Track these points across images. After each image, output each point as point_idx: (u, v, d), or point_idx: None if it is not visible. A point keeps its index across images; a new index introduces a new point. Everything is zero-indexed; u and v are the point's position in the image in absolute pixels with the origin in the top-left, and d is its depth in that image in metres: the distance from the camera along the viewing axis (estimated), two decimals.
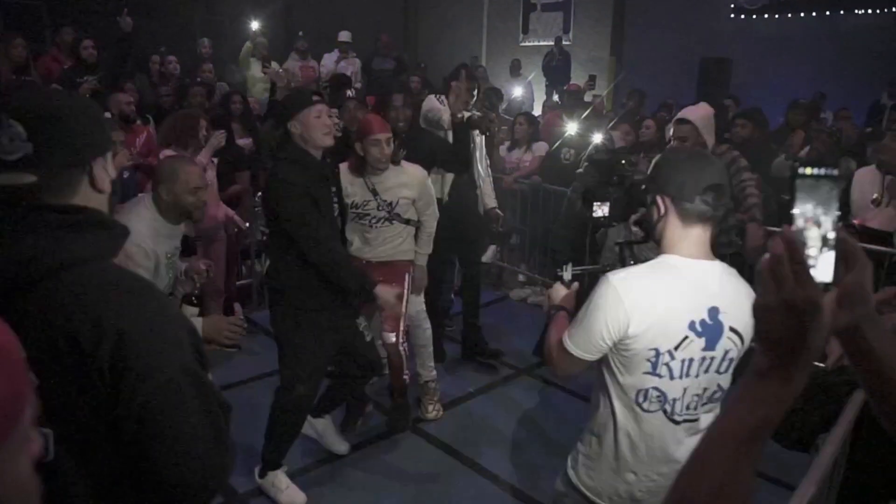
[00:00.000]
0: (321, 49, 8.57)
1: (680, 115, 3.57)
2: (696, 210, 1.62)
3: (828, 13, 9.20)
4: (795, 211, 0.75)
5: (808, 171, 0.75)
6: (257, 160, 5.46)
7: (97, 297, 1.11)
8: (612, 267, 1.99)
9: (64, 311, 1.08)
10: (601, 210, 2.00)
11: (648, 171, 1.78)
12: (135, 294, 1.16)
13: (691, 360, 1.63)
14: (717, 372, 1.68)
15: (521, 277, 5.94)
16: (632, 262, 1.95)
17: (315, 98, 2.83)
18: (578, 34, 11.75)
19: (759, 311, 0.73)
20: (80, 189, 1.17)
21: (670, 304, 1.60)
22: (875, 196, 3.67)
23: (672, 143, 3.52)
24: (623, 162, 2.10)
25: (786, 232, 0.73)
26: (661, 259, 1.67)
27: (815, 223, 0.75)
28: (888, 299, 2.71)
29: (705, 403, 1.71)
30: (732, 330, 1.64)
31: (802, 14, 9.42)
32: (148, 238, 2.50)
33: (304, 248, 2.75)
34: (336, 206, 3.15)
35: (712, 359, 1.65)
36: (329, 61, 8.35)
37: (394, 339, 3.41)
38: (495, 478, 3.25)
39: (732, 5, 9.98)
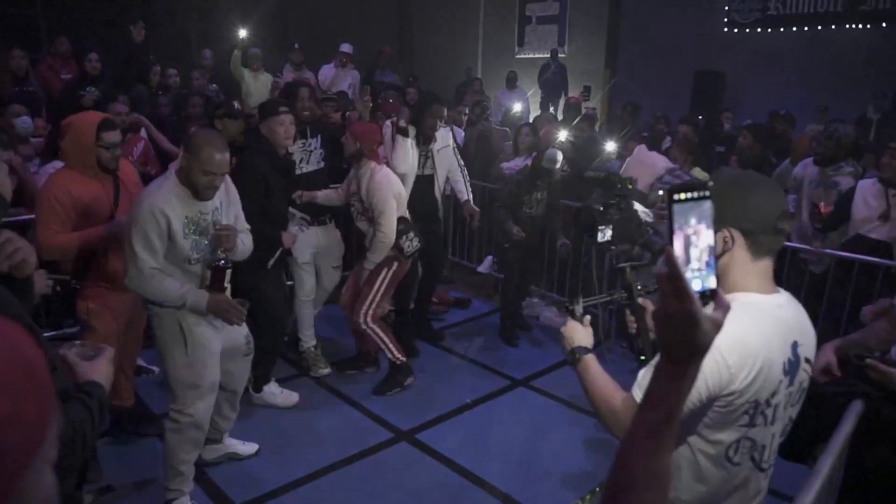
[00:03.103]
0: (318, 60, 8.58)
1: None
2: (772, 242, 1.45)
3: (819, 27, 9.33)
4: (675, 231, 0.82)
5: (683, 195, 0.82)
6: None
7: None
8: (619, 294, 1.85)
9: None
10: (604, 234, 1.83)
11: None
12: None
13: (779, 403, 1.47)
14: (792, 405, 1.54)
15: None
16: (639, 287, 1.79)
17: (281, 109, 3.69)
18: (573, 47, 11.84)
19: (654, 319, 0.85)
20: None
21: (769, 353, 1.41)
22: (882, 211, 3.86)
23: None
24: (625, 179, 1.92)
25: (667, 251, 0.81)
26: (737, 299, 1.40)
27: (694, 239, 0.83)
28: (880, 311, 2.74)
29: (780, 440, 1.56)
30: (807, 360, 1.52)
31: (795, 28, 9.54)
32: (159, 201, 2.63)
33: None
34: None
35: (790, 394, 1.50)
36: (327, 72, 8.37)
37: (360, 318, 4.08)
38: (492, 489, 3.25)
39: (726, 19, 10.09)
